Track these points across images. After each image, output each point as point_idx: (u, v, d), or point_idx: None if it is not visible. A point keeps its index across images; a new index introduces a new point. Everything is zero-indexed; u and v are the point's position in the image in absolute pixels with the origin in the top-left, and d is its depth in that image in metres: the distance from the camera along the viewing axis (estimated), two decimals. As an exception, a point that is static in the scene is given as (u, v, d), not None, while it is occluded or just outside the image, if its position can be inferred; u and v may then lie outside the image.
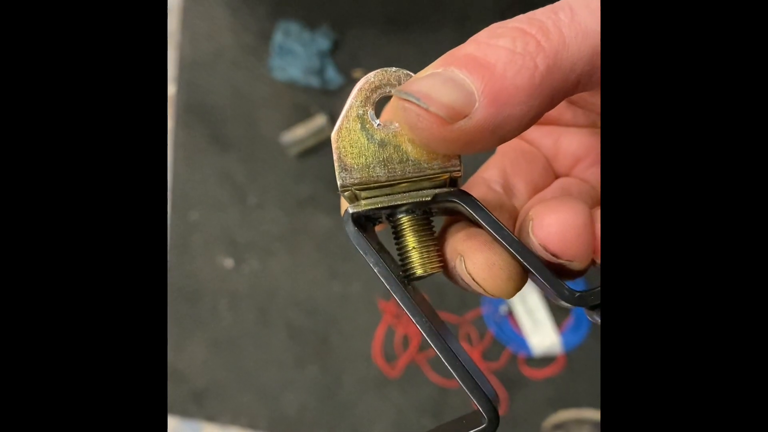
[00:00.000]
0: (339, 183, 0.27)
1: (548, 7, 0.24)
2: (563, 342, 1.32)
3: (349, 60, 1.47)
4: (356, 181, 0.27)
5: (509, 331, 1.35)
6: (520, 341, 1.34)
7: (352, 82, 1.45)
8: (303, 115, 1.46)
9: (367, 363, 1.39)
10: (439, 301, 1.37)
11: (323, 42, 1.46)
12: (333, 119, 1.44)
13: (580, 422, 1.28)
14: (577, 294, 0.26)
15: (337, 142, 0.27)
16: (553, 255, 0.26)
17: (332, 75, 1.45)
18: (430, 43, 1.45)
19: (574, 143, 0.34)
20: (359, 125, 0.27)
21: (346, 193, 0.28)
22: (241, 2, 1.54)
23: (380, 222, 0.31)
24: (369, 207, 0.28)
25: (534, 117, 0.24)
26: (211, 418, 1.42)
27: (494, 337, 1.35)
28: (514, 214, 0.32)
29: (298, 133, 1.43)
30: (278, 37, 1.48)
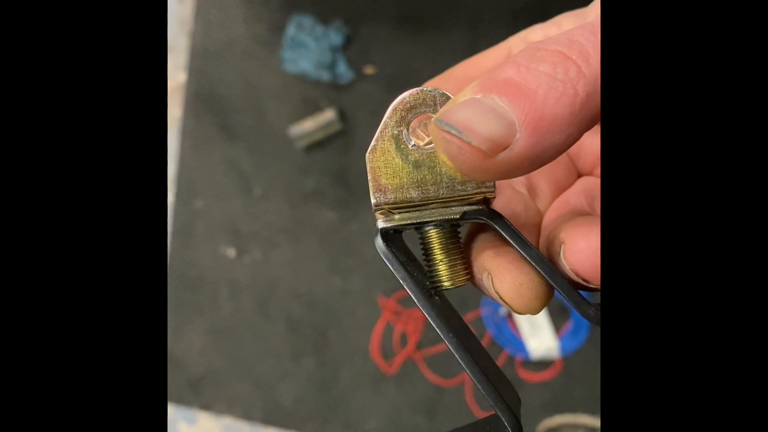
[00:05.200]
0: (373, 202, 0.27)
1: (587, 26, 0.23)
2: (561, 346, 1.32)
3: (360, 56, 1.47)
4: (390, 201, 0.27)
5: (508, 333, 1.35)
6: (518, 344, 1.34)
7: (363, 77, 1.45)
8: (312, 108, 1.46)
9: (364, 358, 1.39)
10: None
11: (336, 37, 1.46)
12: (342, 114, 1.45)
13: (574, 427, 1.28)
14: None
15: (372, 162, 0.27)
16: (584, 281, 0.26)
17: (343, 70, 1.45)
18: (442, 43, 1.45)
19: (596, 142, 0.34)
20: (394, 145, 0.27)
21: (378, 212, 0.28)
22: (255, -7, 1.55)
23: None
24: (399, 223, 0.28)
25: (572, 143, 0.23)
26: (206, 406, 1.43)
27: (492, 338, 1.35)
28: (538, 219, 0.32)
29: (307, 126, 1.43)
30: (291, 30, 1.48)
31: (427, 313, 0.28)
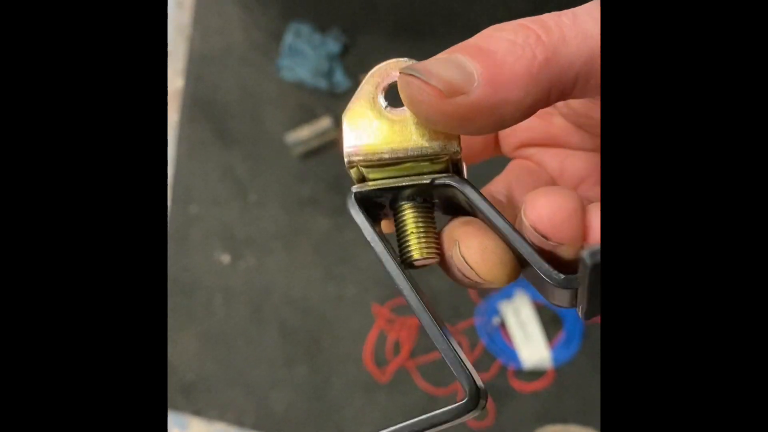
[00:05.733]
0: (345, 159, 0.29)
1: (553, 12, 0.25)
2: (553, 357, 1.33)
3: (357, 64, 1.48)
4: (361, 157, 0.29)
5: (500, 342, 1.35)
6: (511, 353, 1.34)
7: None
8: (309, 116, 1.47)
9: (357, 366, 1.39)
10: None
11: (333, 45, 1.47)
12: (339, 122, 1.45)
13: (565, 438, 1.28)
14: (563, 277, 0.27)
15: (347, 121, 0.29)
16: (543, 236, 0.26)
17: (340, 78, 1.46)
18: (438, 52, 1.45)
19: (579, 164, 0.35)
20: (369, 107, 0.29)
21: (352, 170, 0.29)
22: (254, 0, 1.55)
23: (385, 214, 0.32)
24: (373, 188, 0.30)
25: (530, 105, 0.25)
26: (197, 412, 1.43)
27: (485, 348, 1.35)
28: (512, 219, 0.33)
29: (303, 134, 1.43)
30: (289, 38, 1.49)
31: (392, 272, 0.29)
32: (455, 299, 1.39)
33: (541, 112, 0.35)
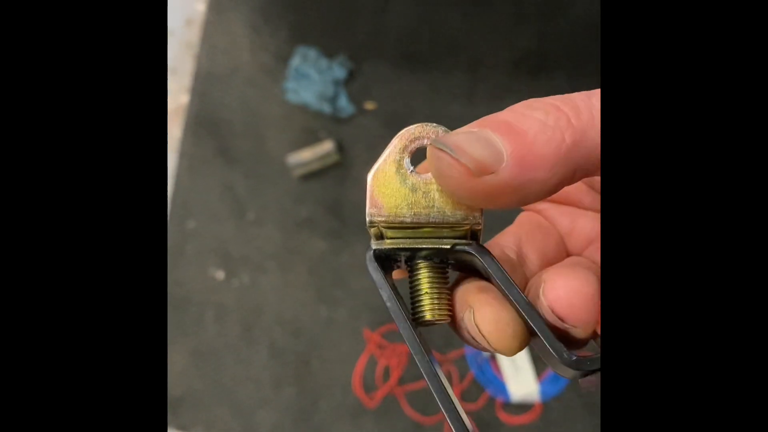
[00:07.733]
0: (368, 218, 0.29)
1: (583, 92, 0.26)
2: (541, 391, 1.33)
3: (362, 91, 1.50)
4: (383, 219, 0.29)
5: (490, 374, 1.35)
6: (500, 385, 1.34)
7: (363, 112, 1.48)
8: (311, 139, 1.49)
9: (345, 390, 1.39)
10: (425, 336, 1.38)
11: (339, 71, 1.49)
12: (341, 146, 1.47)
13: (550, 473, 1.27)
14: (575, 358, 0.27)
15: (372, 181, 0.29)
16: (560, 318, 0.27)
17: (344, 103, 1.48)
18: (442, 83, 1.48)
19: (589, 225, 0.36)
20: (395, 169, 0.29)
21: (372, 229, 0.30)
22: (263, 23, 1.58)
23: (399, 266, 0.32)
24: (391, 246, 0.30)
25: (555, 185, 0.25)
26: (183, 427, 1.41)
27: (474, 378, 1.35)
28: (523, 280, 0.33)
29: (304, 156, 1.45)
30: (296, 61, 1.51)
31: (405, 334, 0.29)
32: (447, 328, 1.39)
33: None
